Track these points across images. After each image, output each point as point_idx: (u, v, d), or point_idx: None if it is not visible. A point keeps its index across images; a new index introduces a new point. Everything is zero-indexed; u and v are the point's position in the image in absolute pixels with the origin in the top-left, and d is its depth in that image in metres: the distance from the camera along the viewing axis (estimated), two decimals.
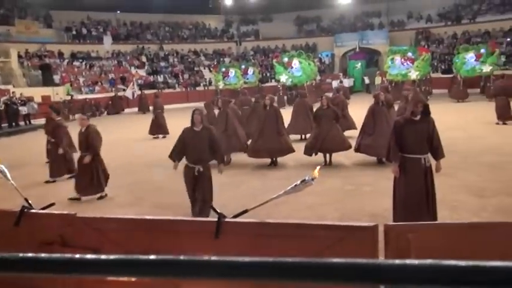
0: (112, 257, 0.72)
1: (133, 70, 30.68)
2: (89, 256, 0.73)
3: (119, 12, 34.63)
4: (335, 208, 6.43)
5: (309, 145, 9.24)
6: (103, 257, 0.73)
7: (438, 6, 33.11)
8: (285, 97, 24.04)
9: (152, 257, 0.71)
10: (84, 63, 30.10)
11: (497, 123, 13.17)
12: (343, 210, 6.34)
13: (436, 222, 3.72)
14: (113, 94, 27.49)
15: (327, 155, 9.31)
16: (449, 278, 0.61)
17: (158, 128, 14.84)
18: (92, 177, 7.53)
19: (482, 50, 22.62)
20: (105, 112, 26.46)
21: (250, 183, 8.16)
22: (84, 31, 32.39)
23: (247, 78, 27.93)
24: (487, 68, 22.19)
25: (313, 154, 9.19)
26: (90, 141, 7.50)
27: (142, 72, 30.91)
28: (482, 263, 0.60)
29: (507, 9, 30.24)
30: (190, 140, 6.00)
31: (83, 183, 7.56)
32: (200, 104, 12.83)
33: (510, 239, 2.29)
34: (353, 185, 7.61)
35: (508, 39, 27.59)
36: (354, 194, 7.15)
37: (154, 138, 14.76)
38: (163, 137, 14.56)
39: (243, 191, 7.63)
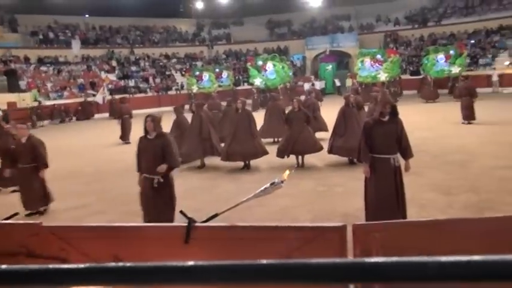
0: (80, 266, 0.71)
1: (103, 75, 30.15)
2: (55, 266, 0.71)
3: (87, 16, 33.99)
4: (308, 210, 6.49)
5: (281, 148, 9.30)
6: (70, 266, 0.71)
7: (405, 9, 33.97)
8: (259, 100, 24.16)
9: (120, 264, 0.71)
10: (51, 68, 29.37)
11: (463, 123, 13.61)
12: (315, 211, 6.41)
13: (403, 220, 3.81)
14: (82, 99, 26.91)
15: (299, 157, 9.39)
16: (416, 274, 0.62)
17: (127, 134, 14.69)
18: (38, 189, 7.06)
19: (452, 52, 23.38)
20: (75, 118, 25.87)
21: (223, 187, 8.14)
22: (51, 35, 31.64)
23: (222, 82, 27.92)
24: (455, 69, 22.93)
25: (286, 156, 9.26)
26: (38, 152, 7.02)
27: (112, 77, 30.40)
28: (439, 259, 0.62)
29: (470, 12, 31.33)
30: (143, 149, 5.53)
31: (30, 197, 7.07)
32: (171, 109, 12.70)
33: (475, 235, 2.36)
34: (325, 186, 7.70)
35: (472, 41, 28.54)
36: (326, 195, 7.23)
37: (126, 143, 14.54)
38: (125, 143, 14.37)
39: (216, 195, 7.61)
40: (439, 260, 0.62)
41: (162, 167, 5.43)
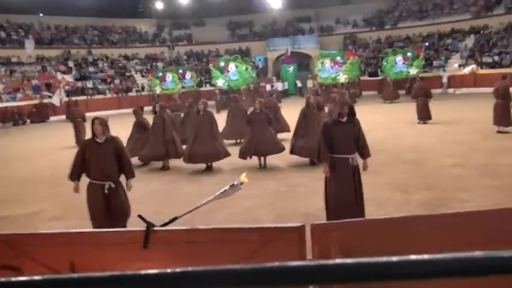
0: (34, 278, 0.68)
1: (59, 76, 29.12)
2: (7, 279, 0.68)
3: (41, 15, 32.76)
4: (270, 210, 6.53)
5: (243, 149, 9.32)
6: (24, 278, 0.68)
7: (363, 12, 34.85)
8: (223, 101, 24.16)
9: (75, 275, 0.68)
10: (3, 69, 28.07)
11: (419, 123, 14.11)
12: (278, 211, 6.47)
13: (360, 219, 3.91)
14: (37, 101, 25.89)
15: (262, 158, 9.44)
16: (372, 273, 0.64)
17: (80, 137, 14.34)
18: None
19: (409, 54, 24.28)
20: (29, 121, 24.86)
21: (185, 189, 8.06)
22: (3, 35, 30.26)
23: (185, 83, 27.67)
24: (413, 71, 23.80)
25: (248, 158, 9.28)
26: None
27: (69, 78, 29.42)
28: (399, 258, 0.64)
29: (424, 15, 32.57)
30: (92, 154, 5.15)
31: None
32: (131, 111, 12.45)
33: (429, 231, 2.46)
34: (287, 187, 7.78)
35: (426, 44, 29.66)
36: (288, 195, 7.31)
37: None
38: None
39: (177, 197, 7.53)
40: (392, 260, 0.64)
41: (129, 185, 5.38)
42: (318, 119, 8.95)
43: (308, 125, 8.91)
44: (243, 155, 9.29)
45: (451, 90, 25.29)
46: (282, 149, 9.37)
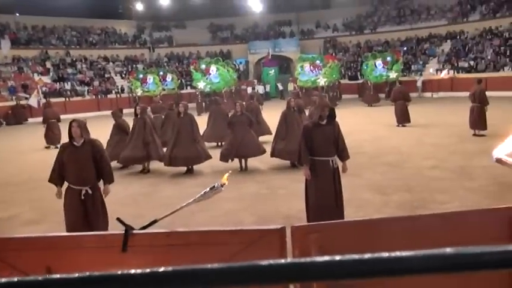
0: (4, 280, 0.67)
1: (36, 77, 28.54)
2: None
3: (17, 14, 32.09)
4: (251, 212, 6.53)
5: (225, 152, 9.30)
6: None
7: (343, 16, 35.27)
8: (203, 104, 24.11)
9: (47, 276, 0.67)
10: None
11: (398, 126, 14.33)
12: (259, 213, 6.47)
13: (340, 220, 3.95)
14: (13, 103, 25.32)
15: (243, 161, 9.44)
16: (346, 271, 0.65)
17: (52, 138, 14.11)
18: None
19: (389, 58, 24.70)
20: (5, 123, 24.26)
21: (166, 192, 8.00)
22: None
23: (166, 85, 27.50)
24: (393, 75, 24.22)
25: (229, 160, 9.27)
26: None
27: (47, 79, 28.87)
28: (377, 255, 0.65)
29: (402, 20, 33.17)
30: (70, 157, 4.97)
31: None
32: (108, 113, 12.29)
33: (407, 232, 2.50)
34: (268, 189, 7.80)
35: (405, 48, 30.19)
36: (269, 197, 7.32)
37: (56, 148, 13.87)
38: (55, 148, 13.77)
39: (158, 200, 7.46)
40: (364, 257, 0.65)
41: (106, 190, 5.20)
42: (299, 121, 9.00)
43: (289, 128, 8.94)
44: (224, 157, 9.27)
45: (428, 94, 25.80)
46: (263, 151, 9.39)
